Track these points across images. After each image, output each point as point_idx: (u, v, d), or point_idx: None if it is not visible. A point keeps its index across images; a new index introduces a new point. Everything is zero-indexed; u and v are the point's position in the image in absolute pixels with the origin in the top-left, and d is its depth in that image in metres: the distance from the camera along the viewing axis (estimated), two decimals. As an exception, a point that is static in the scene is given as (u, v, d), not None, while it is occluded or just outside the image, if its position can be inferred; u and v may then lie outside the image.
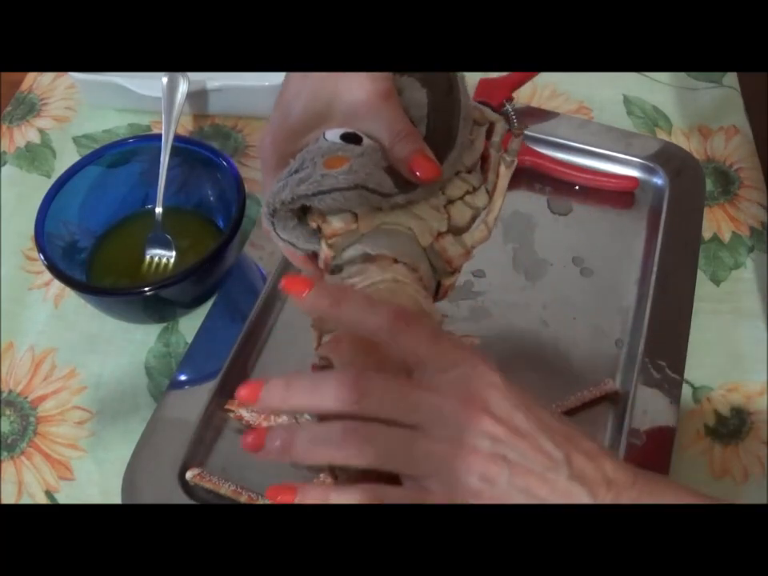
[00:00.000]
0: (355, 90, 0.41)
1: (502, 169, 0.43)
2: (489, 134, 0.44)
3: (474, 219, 0.42)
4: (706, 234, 0.71)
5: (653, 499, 0.36)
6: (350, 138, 0.40)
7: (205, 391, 0.58)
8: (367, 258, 0.40)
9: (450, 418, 0.33)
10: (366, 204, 0.40)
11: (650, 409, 0.57)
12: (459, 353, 0.35)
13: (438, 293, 0.43)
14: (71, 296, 0.66)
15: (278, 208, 0.40)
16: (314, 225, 0.42)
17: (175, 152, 0.67)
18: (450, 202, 0.42)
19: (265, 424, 0.52)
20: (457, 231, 0.42)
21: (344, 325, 0.36)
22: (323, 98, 0.42)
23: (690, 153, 0.75)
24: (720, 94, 0.82)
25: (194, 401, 0.57)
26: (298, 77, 0.42)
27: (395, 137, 0.40)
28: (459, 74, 0.43)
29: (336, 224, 0.40)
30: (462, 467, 0.33)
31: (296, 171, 0.40)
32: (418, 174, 0.39)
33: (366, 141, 0.40)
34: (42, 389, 0.62)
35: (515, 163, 0.44)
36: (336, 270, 0.41)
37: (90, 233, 0.68)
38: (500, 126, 0.44)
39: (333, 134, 0.41)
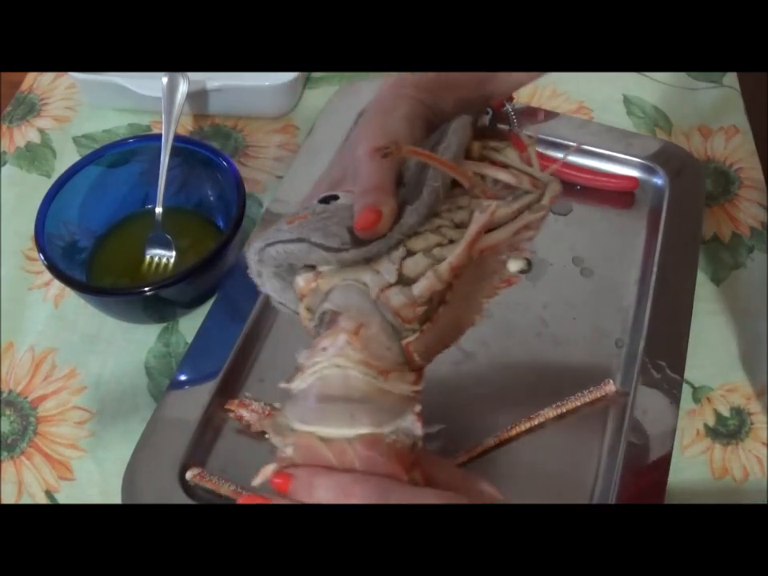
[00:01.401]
0: (359, 150, 0.40)
1: (476, 214, 0.39)
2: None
3: (425, 276, 0.38)
4: (706, 233, 0.71)
5: None
6: (327, 199, 0.40)
7: (205, 391, 0.58)
8: (329, 319, 0.39)
9: None
10: (318, 259, 0.38)
11: (649, 409, 0.57)
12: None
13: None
14: (71, 296, 0.66)
15: (257, 268, 0.41)
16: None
17: (175, 152, 0.67)
18: (410, 254, 0.38)
19: (266, 423, 0.52)
20: (406, 282, 0.38)
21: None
22: (344, 151, 0.43)
23: (690, 153, 0.75)
24: (720, 94, 0.82)
25: (194, 401, 0.57)
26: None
27: (361, 191, 0.39)
28: (454, 126, 0.41)
29: (300, 282, 0.40)
30: None
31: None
32: (356, 227, 0.38)
33: (342, 199, 0.40)
34: (42, 389, 0.62)
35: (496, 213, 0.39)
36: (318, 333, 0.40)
37: (90, 233, 0.68)
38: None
39: (319, 197, 0.41)
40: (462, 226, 0.39)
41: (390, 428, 0.36)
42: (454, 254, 0.38)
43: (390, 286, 0.38)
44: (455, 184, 0.40)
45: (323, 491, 0.35)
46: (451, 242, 0.39)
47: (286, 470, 0.36)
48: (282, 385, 0.37)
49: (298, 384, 0.37)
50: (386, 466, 0.35)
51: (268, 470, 0.37)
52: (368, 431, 0.35)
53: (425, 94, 0.43)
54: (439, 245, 0.39)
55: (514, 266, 0.42)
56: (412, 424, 0.36)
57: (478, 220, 0.38)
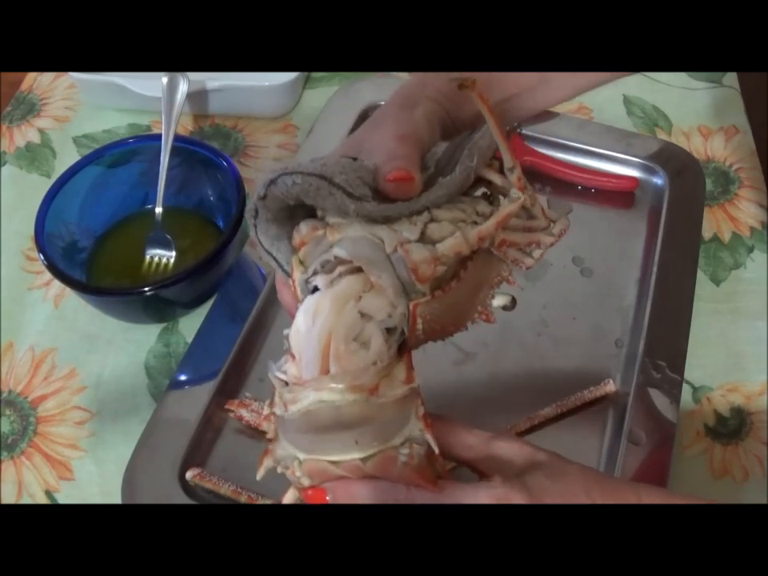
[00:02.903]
0: (378, 135, 0.40)
1: (505, 201, 0.39)
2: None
3: (452, 235, 0.38)
4: (706, 234, 0.71)
5: None
6: (351, 158, 0.38)
7: (205, 391, 0.58)
8: (328, 267, 0.37)
9: None
10: (333, 205, 0.36)
11: (649, 409, 0.57)
12: (471, 499, 0.36)
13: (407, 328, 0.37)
14: (71, 296, 0.66)
15: (256, 206, 0.38)
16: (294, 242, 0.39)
17: (175, 152, 0.67)
18: (434, 221, 0.38)
19: (265, 425, 0.52)
20: (429, 242, 0.37)
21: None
22: (358, 136, 0.43)
23: (690, 153, 0.75)
24: (720, 94, 0.82)
25: (194, 401, 0.57)
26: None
27: (388, 158, 0.38)
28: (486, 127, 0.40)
29: (303, 228, 0.38)
30: None
31: None
32: (389, 178, 0.37)
33: (366, 163, 0.38)
34: (42, 389, 0.62)
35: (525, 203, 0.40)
36: (305, 292, 0.38)
37: (90, 233, 0.68)
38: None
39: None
40: (483, 216, 0.39)
41: (400, 439, 0.35)
42: (484, 225, 0.38)
43: (408, 242, 0.37)
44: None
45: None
46: (475, 223, 0.39)
47: (320, 486, 0.35)
48: (265, 411, 0.36)
49: (282, 412, 0.35)
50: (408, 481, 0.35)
51: (289, 498, 0.37)
52: (377, 450, 0.34)
53: (446, 100, 0.43)
54: (463, 221, 0.38)
55: (498, 301, 0.41)
56: (421, 432, 0.35)
57: (509, 206, 0.39)
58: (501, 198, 0.40)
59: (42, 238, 0.61)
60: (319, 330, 0.34)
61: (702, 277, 0.67)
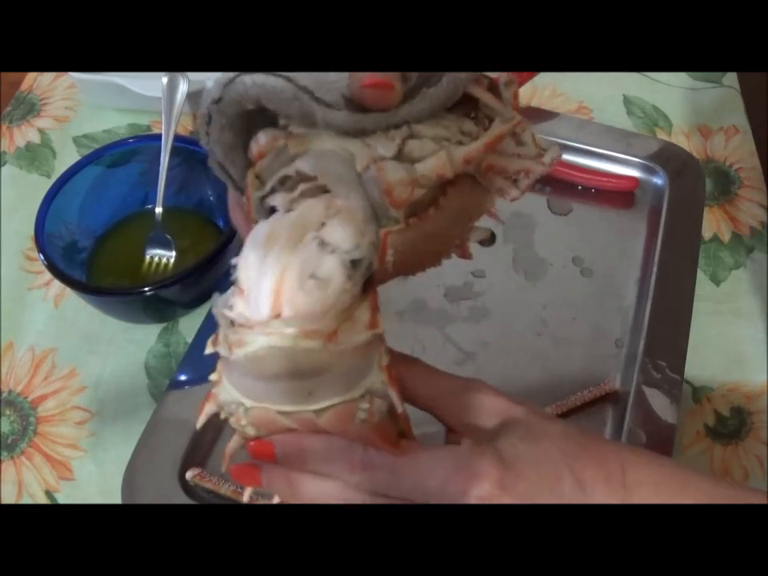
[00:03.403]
0: None
1: (497, 121, 0.35)
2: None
3: (434, 155, 0.33)
4: (706, 234, 0.71)
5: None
6: None
7: (205, 391, 0.57)
8: (288, 184, 0.32)
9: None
10: (298, 112, 0.32)
11: (649, 409, 0.57)
12: (434, 466, 0.34)
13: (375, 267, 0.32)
14: (71, 296, 0.66)
15: (210, 110, 0.33)
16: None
17: (175, 152, 0.67)
18: (414, 137, 0.33)
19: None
20: (407, 160, 0.32)
21: (307, 500, 0.34)
22: None
23: (690, 153, 0.75)
24: (720, 94, 0.82)
25: (194, 401, 0.57)
26: None
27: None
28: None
29: (262, 138, 0.33)
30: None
31: None
32: (365, 83, 0.32)
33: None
34: (42, 389, 0.62)
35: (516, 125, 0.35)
36: (260, 213, 0.33)
37: (90, 233, 0.68)
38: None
39: None
40: (469, 135, 0.35)
41: (359, 391, 0.31)
42: (472, 146, 0.33)
43: (383, 159, 0.32)
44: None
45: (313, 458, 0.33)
46: (460, 143, 0.34)
47: (266, 438, 0.32)
48: (208, 350, 0.32)
49: (226, 353, 0.31)
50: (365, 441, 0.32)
51: (232, 446, 0.34)
52: (333, 403, 0.31)
53: None
54: (447, 140, 0.34)
55: (476, 235, 0.37)
56: (383, 385, 0.31)
57: (501, 126, 0.34)
58: (487, 121, 0.35)
59: (41, 238, 0.61)
60: (272, 263, 0.30)
61: (701, 277, 0.67)
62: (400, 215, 0.32)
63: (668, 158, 0.73)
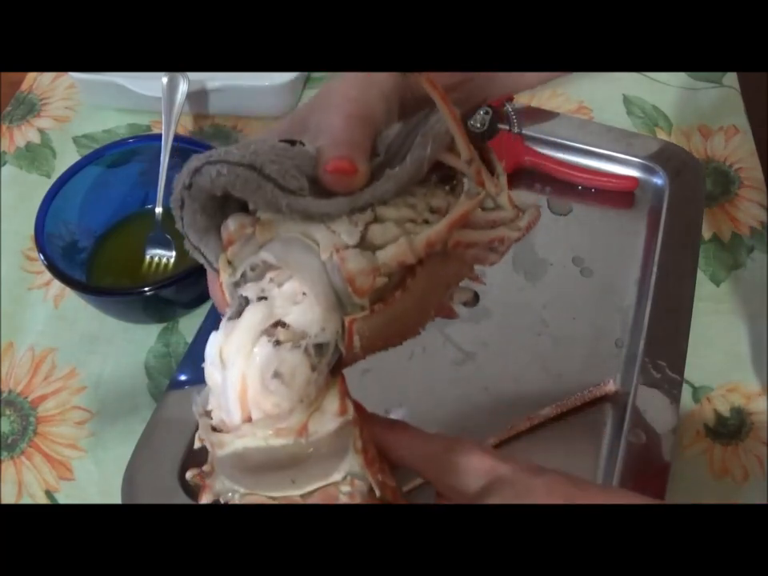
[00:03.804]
0: (331, 109, 0.36)
1: (463, 197, 0.35)
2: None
3: (395, 242, 0.32)
4: (706, 234, 0.71)
5: None
6: (291, 141, 0.34)
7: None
8: (257, 272, 0.32)
9: None
10: (263, 200, 0.32)
11: (649, 409, 0.57)
12: None
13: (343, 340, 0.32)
14: (71, 296, 0.66)
15: (182, 195, 0.33)
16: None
17: (175, 152, 0.67)
18: (378, 221, 0.33)
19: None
20: (369, 248, 0.32)
21: None
22: (304, 112, 0.38)
23: (690, 153, 0.75)
24: (720, 94, 0.82)
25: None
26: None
27: (331, 143, 0.33)
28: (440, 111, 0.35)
29: (230, 225, 0.34)
30: None
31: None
32: (329, 168, 0.32)
33: (307, 148, 0.34)
34: (42, 389, 0.62)
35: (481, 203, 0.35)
36: (234, 297, 0.33)
37: (90, 233, 0.68)
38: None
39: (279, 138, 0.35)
40: (438, 212, 0.34)
41: (340, 475, 0.32)
42: (433, 229, 0.33)
43: (348, 247, 0.32)
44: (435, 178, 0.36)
45: None
46: (426, 222, 0.34)
47: None
48: (196, 445, 0.34)
49: (210, 450, 0.33)
50: None
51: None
52: (316, 487, 0.32)
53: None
54: (412, 221, 0.33)
55: (458, 297, 0.37)
56: (361, 468, 0.32)
57: (465, 203, 0.34)
58: (465, 182, 0.35)
59: (42, 238, 0.61)
60: (231, 375, 0.31)
61: (701, 277, 0.67)
62: (365, 302, 0.32)
63: (668, 157, 0.73)
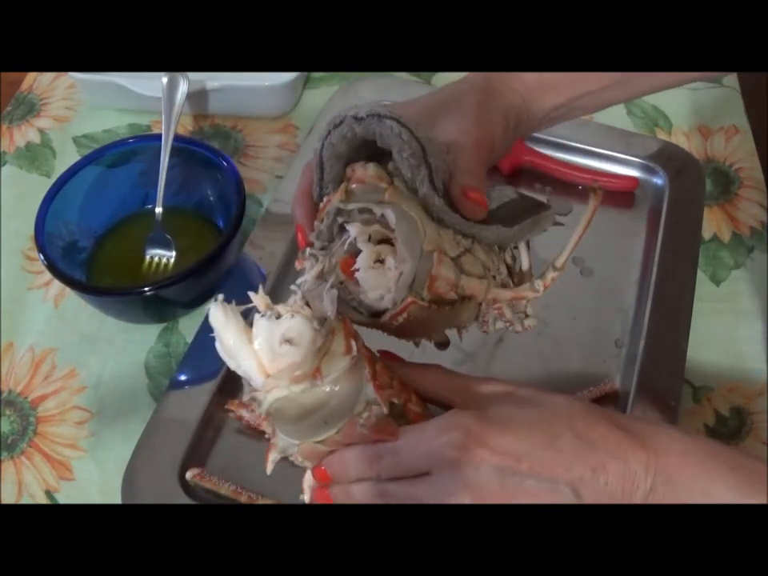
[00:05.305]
0: (454, 123, 0.41)
1: (527, 286, 0.44)
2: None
3: (479, 279, 0.41)
4: (706, 234, 0.71)
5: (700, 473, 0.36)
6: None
7: (205, 391, 0.58)
8: (366, 217, 0.39)
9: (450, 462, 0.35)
10: (414, 174, 0.39)
11: (649, 409, 0.57)
12: (421, 435, 0.37)
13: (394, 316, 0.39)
14: (71, 296, 0.66)
15: (344, 119, 0.39)
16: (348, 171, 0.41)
17: (175, 152, 0.67)
18: (471, 252, 0.41)
19: (264, 425, 0.52)
20: (458, 267, 0.40)
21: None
22: (435, 108, 0.43)
23: (690, 153, 0.75)
24: (720, 94, 0.82)
25: (194, 401, 0.57)
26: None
27: (465, 170, 0.40)
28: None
29: (371, 170, 0.40)
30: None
31: None
32: (470, 195, 0.39)
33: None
34: (42, 389, 0.62)
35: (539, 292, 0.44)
36: (330, 218, 0.40)
37: (90, 233, 0.68)
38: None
39: None
40: (500, 275, 0.43)
41: (361, 405, 0.37)
42: (503, 294, 0.42)
43: (446, 255, 0.39)
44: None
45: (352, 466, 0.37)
46: (493, 278, 0.42)
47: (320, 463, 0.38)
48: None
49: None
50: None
51: (307, 481, 0.40)
52: (345, 422, 0.37)
53: (526, 92, 0.43)
54: (489, 269, 0.41)
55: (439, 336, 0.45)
56: (373, 394, 0.37)
57: (528, 292, 0.44)
58: (513, 275, 0.44)
59: (42, 238, 0.61)
60: (243, 361, 0.35)
61: (702, 277, 0.67)
62: (428, 297, 0.39)
63: (668, 157, 0.73)
